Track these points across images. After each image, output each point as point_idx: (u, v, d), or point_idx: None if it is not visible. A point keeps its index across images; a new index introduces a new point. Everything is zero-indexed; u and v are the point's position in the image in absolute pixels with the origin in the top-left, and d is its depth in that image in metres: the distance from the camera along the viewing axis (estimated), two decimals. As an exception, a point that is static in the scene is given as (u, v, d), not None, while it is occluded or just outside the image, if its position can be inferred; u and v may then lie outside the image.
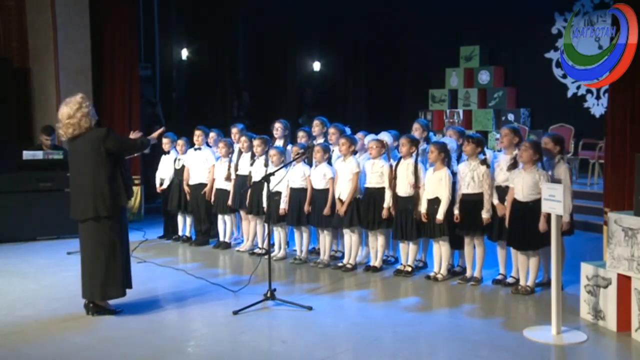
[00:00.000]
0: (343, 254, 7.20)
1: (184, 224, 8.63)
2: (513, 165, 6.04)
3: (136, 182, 10.18)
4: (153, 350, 4.74)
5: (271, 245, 7.07)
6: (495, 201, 6.15)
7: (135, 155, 6.75)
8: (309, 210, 7.04)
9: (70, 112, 5.39)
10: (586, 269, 5.34)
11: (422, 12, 13.15)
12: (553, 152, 5.99)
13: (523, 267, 6.00)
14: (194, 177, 8.26)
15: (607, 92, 8.50)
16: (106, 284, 5.40)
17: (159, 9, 12.27)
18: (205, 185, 8.19)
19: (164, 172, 8.66)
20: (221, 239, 8.21)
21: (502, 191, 6.11)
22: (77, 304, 5.54)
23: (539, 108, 12.59)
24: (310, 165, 7.17)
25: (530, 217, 5.77)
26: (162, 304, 5.88)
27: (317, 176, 6.99)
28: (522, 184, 5.81)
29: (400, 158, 6.61)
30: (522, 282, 6.03)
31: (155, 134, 6.08)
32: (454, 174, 6.38)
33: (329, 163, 7.05)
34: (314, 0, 13.20)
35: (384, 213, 6.62)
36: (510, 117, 12.50)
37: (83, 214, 5.38)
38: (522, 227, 5.85)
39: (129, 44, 10.29)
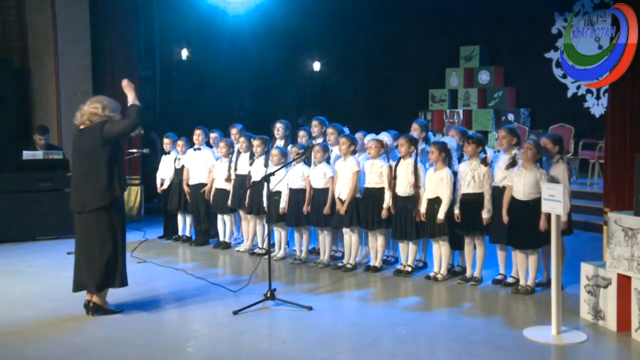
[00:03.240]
0: (343, 254, 7.20)
1: (184, 224, 8.63)
2: (512, 163, 6.04)
3: (136, 182, 10.19)
4: (153, 350, 4.73)
5: (271, 245, 7.07)
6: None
7: (136, 155, 6.57)
8: (308, 211, 7.04)
9: (101, 106, 5.38)
10: (586, 269, 5.34)
11: (422, 12, 13.16)
12: (552, 152, 5.99)
13: (522, 266, 6.00)
14: (193, 177, 8.26)
15: (607, 92, 8.50)
16: (105, 275, 5.37)
17: (159, 8, 12.26)
18: (205, 185, 8.19)
19: (165, 172, 8.66)
20: (221, 239, 8.21)
21: (500, 192, 6.10)
22: (77, 304, 5.54)
23: (539, 108, 12.59)
24: (309, 165, 7.17)
25: (530, 216, 5.76)
26: (162, 304, 5.87)
27: (317, 176, 6.99)
28: (522, 183, 5.81)
29: (400, 158, 6.61)
30: (522, 282, 6.02)
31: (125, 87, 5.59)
32: (454, 174, 6.37)
33: (328, 162, 7.05)
34: (314, 0, 13.19)
35: (384, 213, 6.62)
36: (510, 117, 12.49)
37: (83, 207, 5.35)
38: (522, 226, 5.85)
39: (129, 44, 10.29)
